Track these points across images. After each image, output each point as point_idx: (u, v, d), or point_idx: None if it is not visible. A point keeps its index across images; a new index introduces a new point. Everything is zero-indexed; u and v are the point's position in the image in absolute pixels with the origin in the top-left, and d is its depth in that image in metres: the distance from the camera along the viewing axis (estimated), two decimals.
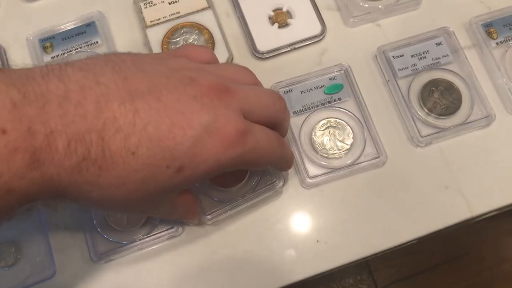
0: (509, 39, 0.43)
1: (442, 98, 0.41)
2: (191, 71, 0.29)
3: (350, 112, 0.41)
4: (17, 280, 0.37)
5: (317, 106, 0.42)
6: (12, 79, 0.23)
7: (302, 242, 0.38)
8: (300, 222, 0.39)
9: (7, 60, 0.44)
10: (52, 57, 0.43)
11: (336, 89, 0.42)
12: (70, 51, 0.43)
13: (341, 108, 0.42)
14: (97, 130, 0.24)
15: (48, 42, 0.44)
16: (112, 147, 0.25)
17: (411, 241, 0.39)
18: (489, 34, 0.43)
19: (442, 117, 0.41)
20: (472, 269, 1.13)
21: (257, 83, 0.34)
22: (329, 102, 0.42)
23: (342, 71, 0.42)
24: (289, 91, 0.42)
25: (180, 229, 0.38)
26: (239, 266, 0.38)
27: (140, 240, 0.38)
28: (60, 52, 0.43)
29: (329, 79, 0.42)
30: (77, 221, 0.39)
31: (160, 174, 0.26)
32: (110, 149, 0.25)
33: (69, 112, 0.24)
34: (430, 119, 0.41)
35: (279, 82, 0.42)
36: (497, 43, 0.43)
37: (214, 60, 0.34)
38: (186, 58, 0.31)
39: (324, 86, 0.42)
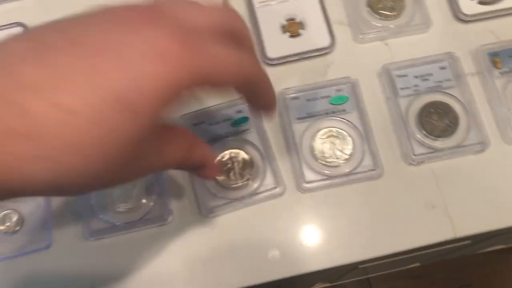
0: None
1: (439, 120, 0.42)
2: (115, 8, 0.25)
3: (353, 124, 0.43)
4: (15, 245, 0.39)
5: (321, 114, 0.43)
6: None
7: (287, 242, 0.40)
8: (290, 224, 0.40)
9: None
10: None
11: (341, 100, 0.44)
12: None
13: (344, 119, 0.43)
14: (11, 91, 0.20)
15: None
16: (35, 109, 0.20)
17: (392, 254, 0.40)
18: (494, 63, 0.44)
19: (437, 138, 0.42)
20: None
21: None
22: (333, 112, 0.43)
23: (350, 84, 0.44)
24: (296, 98, 0.44)
25: (170, 218, 0.40)
26: (228, 258, 0.39)
27: (128, 223, 0.40)
28: None
29: (336, 90, 0.44)
30: (76, 200, 0.41)
31: (114, 124, 0.22)
32: (34, 112, 0.20)
33: None
34: (425, 139, 0.42)
35: (287, 89, 0.44)
36: (500, 73, 0.44)
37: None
38: None
39: (329, 96, 0.44)
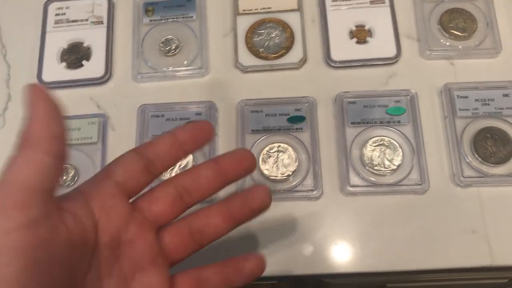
0: None
1: (494, 146, 0.42)
2: None
3: (406, 136, 0.43)
4: None
5: (375, 122, 0.44)
6: None
7: (321, 241, 0.41)
8: (328, 223, 0.41)
9: (113, 15, 0.50)
10: (151, 20, 0.49)
11: (398, 111, 0.44)
12: (167, 19, 0.49)
13: (398, 130, 0.43)
14: None
15: (151, 6, 0.49)
16: None
17: (425, 271, 0.40)
18: None
19: (489, 164, 0.41)
20: None
21: None
22: (388, 122, 0.44)
23: (409, 97, 0.44)
24: (353, 102, 0.44)
25: None
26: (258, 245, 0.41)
27: None
28: (159, 18, 0.49)
29: (394, 101, 0.44)
30: None
31: None
32: None
33: None
34: (477, 163, 0.41)
35: (346, 92, 0.44)
36: None
37: None
38: None
39: (387, 106, 0.44)
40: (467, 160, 0.42)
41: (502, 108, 0.43)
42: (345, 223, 0.41)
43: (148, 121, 0.45)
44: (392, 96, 0.44)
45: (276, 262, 0.40)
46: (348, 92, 0.44)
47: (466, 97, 0.44)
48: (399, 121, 0.44)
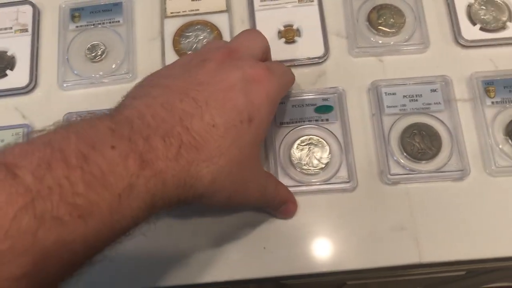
0: (506, 101, 0.43)
1: (421, 143, 0.42)
2: (203, 55, 0.35)
3: (334, 134, 0.43)
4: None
5: (303, 121, 0.43)
6: (101, 116, 0.29)
7: (249, 246, 0.40)
8: (253, 226, 0.41)
9: (39, 22, 0.48)
10: (77, 26, 0.47)
11: (327, 110, 0.43)
12: (94, 24, 0.48)
13: (327, 128, 0.43)
14: (178, 123, 0.30)
15: (77, 12, 0.48)
16: (196, 128, 0.30)
17: (356, 271, 0.40)
18: (487, 92, 0.43)
19: (416, 161, 0.41)
20: None
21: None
22: (316, 120, 0.43)
23: (336, 94, 0.44)
24: (282, 102, 0.44)
25: None
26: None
27: None
28: (85, 23, 0.48)
29: (322, 99, 0.44)
30: None
31: (240, 131, 0.32)
32: (195, 131, 0.30)
33: (150, 123, 0.29)
34: (404, 160, 0.41)
35: None
36: (492, 102, 0.43)
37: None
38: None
39: (315, 104, 0.44)
40: (394, 157, 0.41)
41: (430, 104, 0.43)
42: (269, 225, 0.41)
43: None
44: (320, 94, 0.44)
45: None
46: None
47: (394, 93, 0.43)
48: (327, 120, 0.43)
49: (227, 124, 0.31)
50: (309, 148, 0.42)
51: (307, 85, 0.45)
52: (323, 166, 0.42)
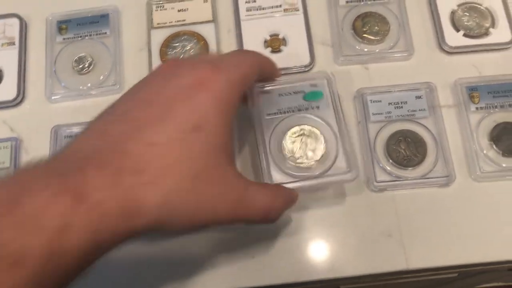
0: (489, 107, 0.43)
1: (407, 149, 0.42)
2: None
3: (327, 122, 0.40)
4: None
5: (293, 111, 0.41)
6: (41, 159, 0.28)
7: (238, 256, 0.40)
8: (242, 236, 0.41)
9: (26, 35, 0.49)
10: (64, 39, 0.48)
11: (316, 96, 0.41)
12: (81, 36, 0.48)
13: (318, 116, 0.40)
14: (113, 149, 0.28)
15: (64, 24, 0.48)
16: (134, 151, 0.28)
17: (344, 278, 0.40)
18: (472, 97, 0.43)
19: (402, 167, 0.41)
20: None
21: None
22: (306, 109, 0.41)
23: (325, 80, 0.41)
24: (268, 92, 0.41)
25: None
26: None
27: None
28: (72, 36, 0.48)
29: (310, 85, 0.41)
30: None
31: (187, 143, 0.29)
32: (134, 154, 0.28)
33: (86, 154, 0.28)
34: (390, 167, 0.41)
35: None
36: (476, 108, 0.43)
37: None
38: None
39: (304, 92, 0.41)
40: (380, 164, 0.42)
41: (415, 110, 0.43)
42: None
43: (62, 142, 0.44)
44: (308, 80, 0.41)
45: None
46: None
47: (379, 101, 0.44)
48: (318, 107, 0.41)
49: (169, 140, 0.29)
50: (301, 140, 0.41)
51: None
52: (318, 158, 0.39)
